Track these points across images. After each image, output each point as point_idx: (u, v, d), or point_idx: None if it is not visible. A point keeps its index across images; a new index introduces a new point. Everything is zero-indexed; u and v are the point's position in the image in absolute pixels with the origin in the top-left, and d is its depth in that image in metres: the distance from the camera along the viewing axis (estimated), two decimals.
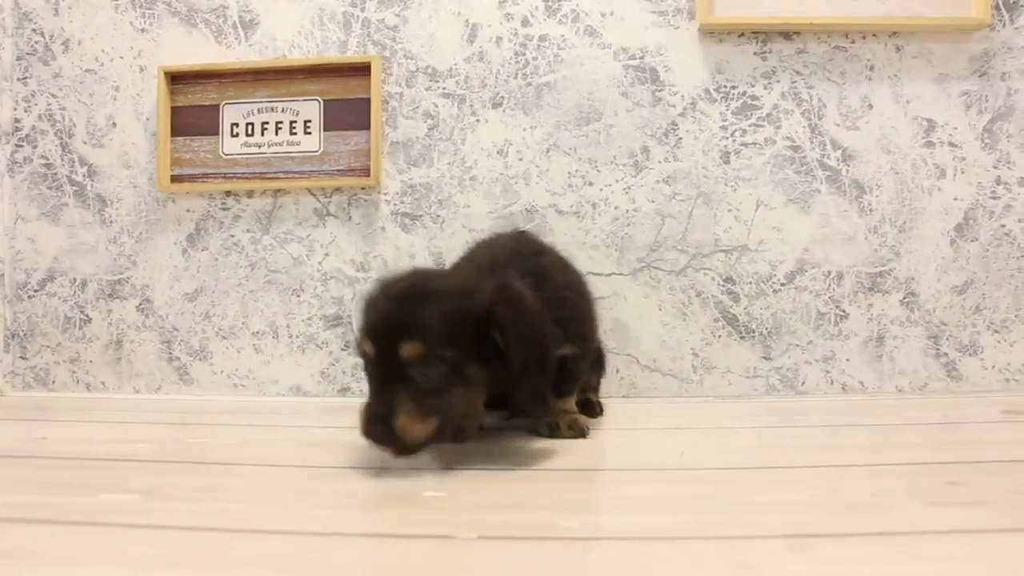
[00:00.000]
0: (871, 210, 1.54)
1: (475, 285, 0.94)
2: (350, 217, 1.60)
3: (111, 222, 1.65)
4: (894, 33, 1.54)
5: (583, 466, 0.96)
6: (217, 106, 1.62)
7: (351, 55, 1.59)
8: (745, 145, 1.55)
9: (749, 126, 1.55)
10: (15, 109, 1.68)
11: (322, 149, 1.59)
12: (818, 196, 1.54)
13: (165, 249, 1.64)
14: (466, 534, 0.65)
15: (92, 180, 1.66)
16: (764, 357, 1.54)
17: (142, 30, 1.65)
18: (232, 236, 1.62)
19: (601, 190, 1.55)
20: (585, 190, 1.56)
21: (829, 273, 1.54)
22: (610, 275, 1.55)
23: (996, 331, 1.53)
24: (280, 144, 1.60)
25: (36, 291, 1.67)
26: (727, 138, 1.55)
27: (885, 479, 0.86)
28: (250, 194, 1.62)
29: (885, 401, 1.46)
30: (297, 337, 1.60)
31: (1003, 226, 1.53)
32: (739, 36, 1.55)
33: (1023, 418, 1.24)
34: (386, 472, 0.89)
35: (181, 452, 1.05)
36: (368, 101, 1.57)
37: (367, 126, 1.57)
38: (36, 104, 1.67)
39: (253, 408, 1.46)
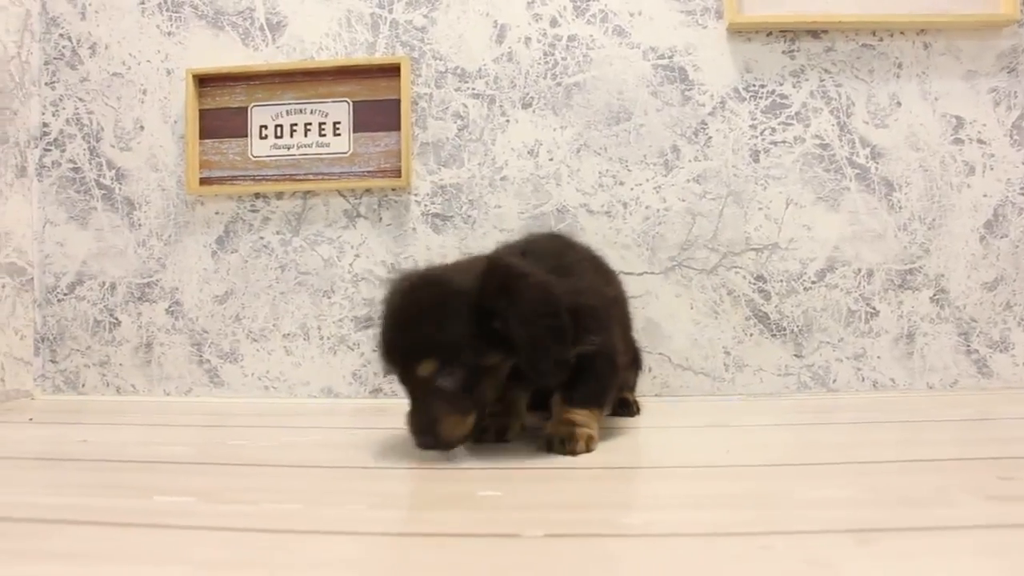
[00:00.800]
0: (900, 207, 1.54)
1: (467, 276, 0.96)
2: (380, 218, 1.60)
3: (140, 225, 1.66)
4: (922, 30, 1.54)
5: (627, 464, 0.97)
6: (245, 108, 1.62)
7: (380, 56, 1.60)
8: (775, 143, 1.55)
9: (778, 124, 1.55)
10: (43, 113, 1.68)
11: (352, 150, 1.60)
12: (848, 194, 1.54)
13: (194, 252, 1.64)
14: (533, 532, 0.65)
15: (120, 183, 1.66)
16: (795, 355, 1.54)
17: (169, 33, 1.65)
18: (262, 238, 1.63)
19: (632, 189, 1.56)
20: (616, 189, 1.56)
21: (859, 271, 1.54)
22: (642, 274, 1.55)
23: None
24: (309, 146, 1.61)
25: (65, 295, 1.67)
26: (756, 137, 1.55)
27: (932, 475, 0.86)
28: (279, 196, 1.62)
29: (916, 398, 1.46)
30: (328, 339, 1.60)
31: None
32: (767, 35, 1.55)
33: None
34: (434, 472, 0.90)
35: (223, 454, 1.06)
36: (398, 102, 1.57)
37: (397, 127, 1.58)
38: (64, 108, 1.68)
39: (285, 410, 1.46)
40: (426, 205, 1.59)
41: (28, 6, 1.65)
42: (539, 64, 1.58)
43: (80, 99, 1.67)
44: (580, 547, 0.62)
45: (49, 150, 1.68)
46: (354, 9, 1.61)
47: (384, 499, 0.80)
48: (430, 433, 0.92)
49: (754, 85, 1.55)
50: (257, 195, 1.63)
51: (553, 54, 1.58)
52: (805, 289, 1.54)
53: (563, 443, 0.99)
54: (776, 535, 0.64)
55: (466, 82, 1.59)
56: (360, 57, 1.60)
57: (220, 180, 1.63)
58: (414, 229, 1.59)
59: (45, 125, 1.68)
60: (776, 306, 1.54)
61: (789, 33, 1.55)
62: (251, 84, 1.63)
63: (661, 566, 0.57)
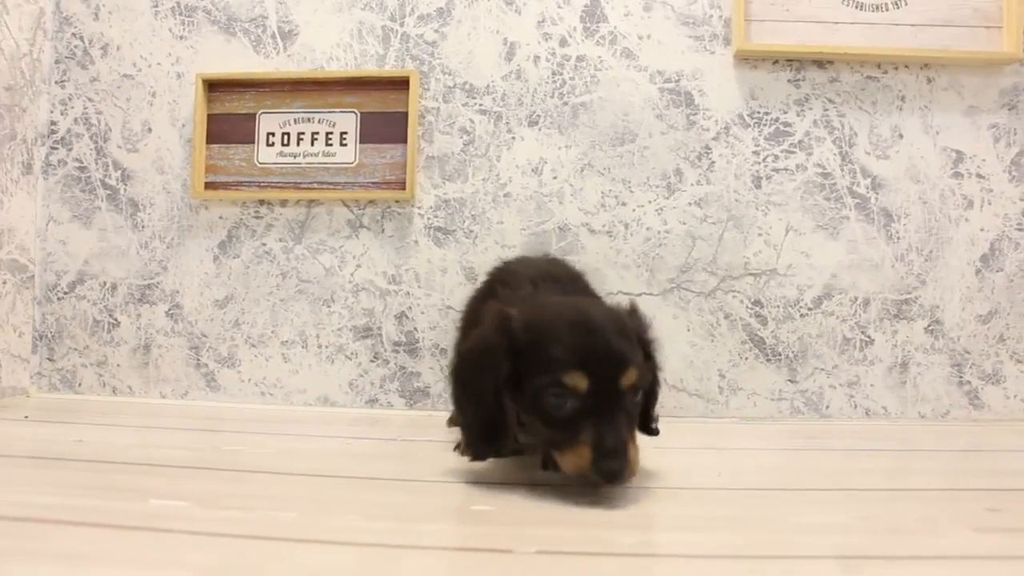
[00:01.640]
0: (898, 238, 1.55)
1: (609, 305, 0.97)
2: (383, 229, 1.61)
3: (143, 227, 1.67)
4: (926, 65, 1.56)
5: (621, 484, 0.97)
6: (254, 115, 1.64)
7: (389, 69, 1.61)
8: (776, 171, 1.56)
9: (781, 152, 1.56)
10: (51, 112, 1.69)
11: (357, 161, 1.61)
12: (847, 223, 1.56)
13: (196, 255, 1.65)
14: (525, 548, 0.65)
15: (125, 184, 1.67)
16: (790, 380, 1.55)
17: (181, 37, 1.67)
18: (264, 245, 1.63)
19: (634, 210, 1.57)
20: (618, 210, 1.57)
21: (856, 299, 1.55)
22: (640, 295, 1.56)
23: (1019, 361, 1.54)
24: (315, 155, 1.62)
25: (66, 293, 1.68)
26: (759, 163, 1.56)
27: (921, 504, 0.86)
28: (283, 203, 1.63)
29: (908, 427, 1.47)
30: (326, 347, 1.61)
31: None
32: (773, 63, 1.57)
33: None
34: (429, 485, 0.90)
35: (218, 459, 1.06)
36: (405, 115, 1.59)
37: (403, 140, 1.59)
38: (72, 107, 1.69)
39: (281, 417, 1.46)
40: (429, 218, 1.60)
41: (42, 4, 1.67)
42: (547, 83, 1.59)
43: (89, 99, 1.69)
44: (572, 565, 0.63)
45: (56, 148, 1.69)
46: (366, 21, 1.63)
47: (380, 510, 0.81)
48: (624, 455, 0.81)
49: (759, 112, 1.57)
50: (261, 202, 1.64)
51: (561, 74, 1.59)
52: (801, 315, 1.55)
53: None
54: (765, 559, 0.65)
55: (474, 98, 1.60)
56: (370, 69, 1.62)
57: (225, 185, 1.64)
58: (416, 242, 1.60)
59: (53, 123, 1.69)
60: (772, 331, 1.55)
61: (795, 62, 1.57)
62: (260, 91, 1.64)
63: None
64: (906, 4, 1.55)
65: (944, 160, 1.56)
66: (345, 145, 1.61)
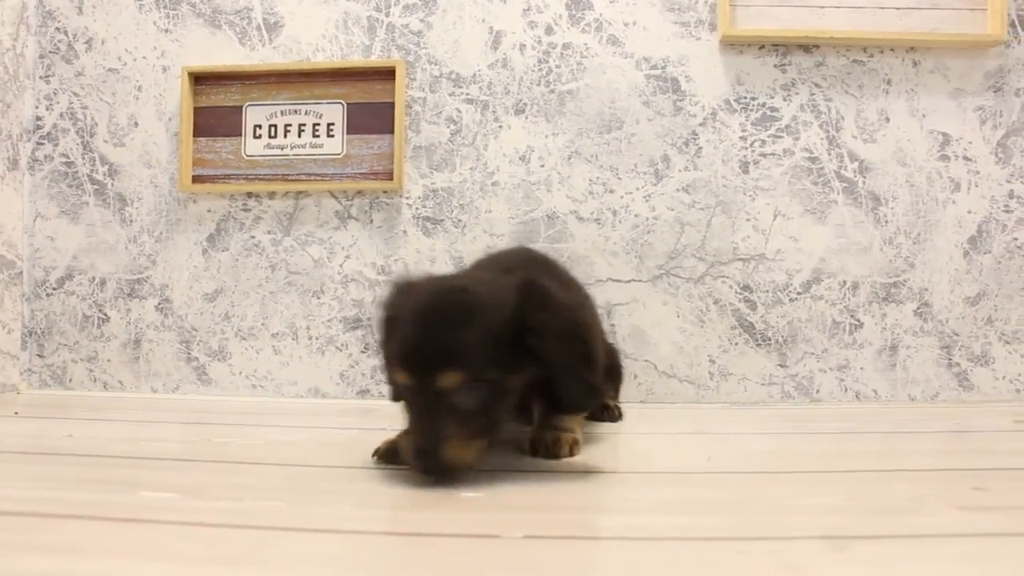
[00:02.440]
0: (886, 221, 1.56)
1: (500, 292, 0.89)
2: (372, 220, 1.61)
3: (131, 221, 1.66)
4: (911, 48, 1.56)
5: (609, 469, 0.97)
6: (240, 107, 1.63)
7: (375, 59, 1.61)
8: (764, 155, 1.56)
9: (768, 137, 1.56)
10: (37, 107, 1.69)
11: (345, 152, 1.61)
12: (835, 207, 1.56)
13: (185, 249, 1.65)
14: (512, 534, 0.66)
15: (113, 179, 1.67)
16: (780, 365, 1.55)
17: (166, 30, 1.66)
18: (253, 237, 1.63)
19: (622, 197, 1.57)
20: (606, 197, 1.57)
21: (844, 283, 1.56)
22: (629, 282, 1.56)
23: (1007, 342, 1.55)
24: (303, 146, 1.62)
25: (55, 289, 1.68)
26: (746, 148, 1.56)
27: (910, 484, 0.87)
28: (272, 195, 1.63)
29: (898, 409, 1.48)
30: (317, 339, 1.61)
31: (1015, 239, 1.55)
32: (759, 48, 1.57)
33: None
34: (419, 474, 0.90)
35: (209, 451, 1.06)
36: (392, 105, 1.58)
37: (390, 130, 1.59)
38: (58, 102, 1.68)
39: (272, 409, 1.47)
40: (417, 208, 1.60)
41: None
42: (533, 71, 1.59)
43: (75, 94, 1.68)
44: (559, 549, 0.63)
45: (42, 144, 1.68)
46: (351, 12, 1.62)
47: (368, 498, 0.81)
48: (433, 455, 0.82)
49: (745, 97, 1.57)
50: (249, 194, 1.63)
51: (547, 62, 1.59)
52: (791, 300, 1.56)
53: (548, 447, 0.99)
54: (752, 540, 0.65)
55: (460, 87, 1.60)
56: (356, 60, 1.61)
57: (213, 178, 1.63)
58: (405, 232, 1.60)
59: (38, 119, 1.69)
60: (761, 316, 1.56)
61: (781, 47, 1.57)
62: (246, 83, 1.63)
63: (637, 569, 0.58)
64: None
65: (931, 143, 1.56)
66: (332, 136, 1.61)
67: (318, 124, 1.62)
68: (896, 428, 1.27)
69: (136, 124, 1.66)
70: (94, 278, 1.67)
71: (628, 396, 1.52)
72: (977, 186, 1.56)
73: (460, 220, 1.59)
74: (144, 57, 1.66)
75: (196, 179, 1.63)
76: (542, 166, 1.58)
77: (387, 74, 1.59)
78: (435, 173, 1.60)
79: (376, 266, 1.60)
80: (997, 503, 0.78)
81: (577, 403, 0.92)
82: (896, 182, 1.56)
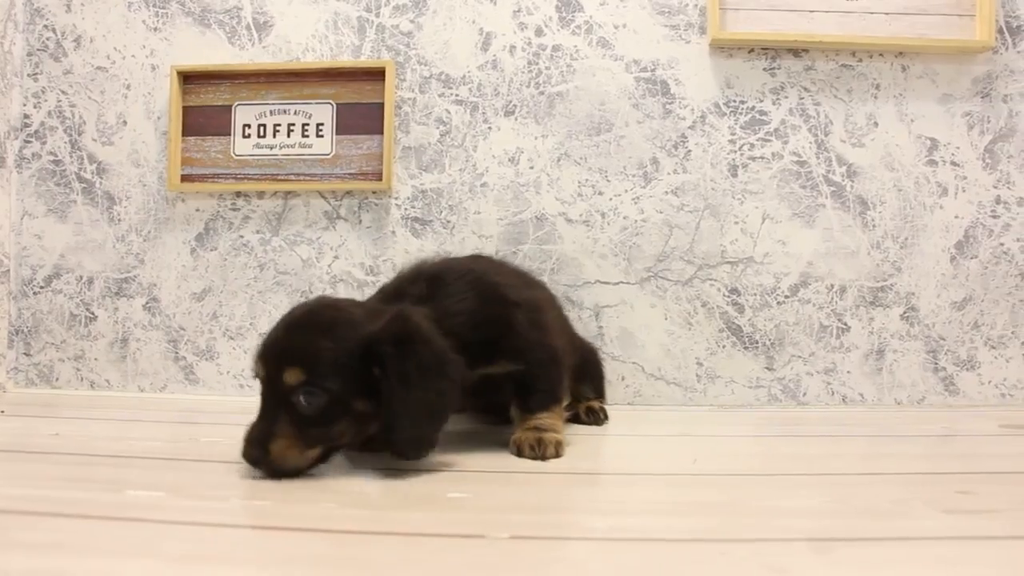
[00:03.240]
0: (874, 226, 1.57)
1: (371, 317, 0.92)
2: (360, 220, 1.61)
3: (119, 220, 1.65)
4: (900, 53, 1.57)
5: (594, 470, 0.98)
6: (229, 107, 1.63)
7: (365, 59, 1.60)
8: (753, 159, 1.57)
9: (757, 140, 1.57)
10: (24, 105, 1.68)
11: (334, 152, 1.60)
12: (823, 211, 1.57)
13: (173, 248, 1.64)
14: (498, 534, 0.66)
15: (101, 178, 1.66)
16: (767, 368, 1.56)
17: (155, 29, 1.65)
18: (241, 237, 1.63)
19: (611, 200, 1.57)
20: (595, 199, 1.57)
21: (832, 287, 1.56)
22: (617, 284, 1.56)
23: (993, 347, 1.56)
24: (292, 146, 1.61)
25: (42, 288, 1.67)
26: (735, 151, 1.57)
27: (895, 487, 0.88)
28: (260, 195, 1.63)
29: (884, 413, 1.48)
30: None
31: (1002, 244, 1.56)
32: (749, 52, 1.57)
33: (1020, 432, 1.27)
34: (405, 474, 0.90)
35: (195, 450, 1.06)
36: (381, 106, 1.58)
37: (379, 130, 1.58)
38: (46, 100, 1.67)
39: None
40: (406, 209, 1.60)
41: None
42: (523, 73, 1.59)
43: (63, 92, 1.67)
44: (544, 549, 0.64)
45: (30, 142, 1.67)
46: (341, 12, 1.62)
47: (354, 498, 0.81)
48: (261, 447, 0.86)
49: (734, 101, 1.58)
50: (238, 194, 1.63)
51: (537, 63, 1.59)
52: (778, 303, 1.56)
53: (533, 449, 1.00)
54: (736, 542, 0.65)
55: (450, 88, 1.60)
56: (345, 60, 1.61)
57: (201, 178, 1.63)
58: (393, 232, 1.60)
59: (26, 117, 1.68)
60: (749, 319, 1.56)
61: (770, 51, 1.57)
62: (236, 83, 1.63)
63: (622, 569, 0.59)
64: None
65: (919, 148, 1.57)
66: (321, 136, 1.61)
67: (307, 124, 1.61)
68: (882, 432, 1.28)
69: (125, 123, 1.66)
70: (81, 277, 1.66)
71: (615, 398, 1.52)
72: (964, 191, 1.57)
73: (449, 221, 1.59)
74: (133, 55, 1.66)
75: (184, 178, 1.63)
76: (531, 168, 1.58)
77: (377, 74, 1.59)
78: (424, 174, 1.60)
79: (364, 266, 1.60)
80: (982, 506, 0.78)
81: (401, 448, 0.89)
82: (884, 187, 1.57)
